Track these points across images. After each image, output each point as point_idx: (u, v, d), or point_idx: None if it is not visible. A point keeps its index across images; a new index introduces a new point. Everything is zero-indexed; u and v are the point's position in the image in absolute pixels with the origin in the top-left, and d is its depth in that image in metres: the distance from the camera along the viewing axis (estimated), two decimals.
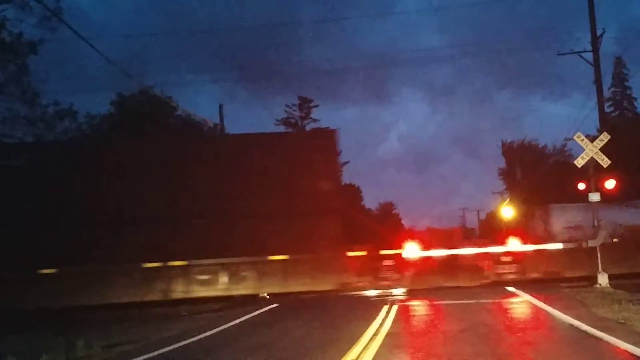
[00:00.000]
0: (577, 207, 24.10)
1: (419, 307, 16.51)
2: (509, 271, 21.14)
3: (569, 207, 24.40)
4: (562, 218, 23.05)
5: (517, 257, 21.29)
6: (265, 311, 17.18)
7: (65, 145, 25.84)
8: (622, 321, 11.17)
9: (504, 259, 21.31)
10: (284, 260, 20.73)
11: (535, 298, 15.78)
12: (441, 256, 21.59)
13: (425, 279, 21.26)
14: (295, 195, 21.29)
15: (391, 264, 21.18)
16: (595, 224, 19.52)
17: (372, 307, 15.74)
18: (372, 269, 21.19)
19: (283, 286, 20.74)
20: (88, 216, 20.81)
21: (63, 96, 38.86)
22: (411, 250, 21.31)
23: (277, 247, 20.65)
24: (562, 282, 19.78)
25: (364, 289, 20.95)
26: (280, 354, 10.01)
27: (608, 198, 20.52)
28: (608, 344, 9.14)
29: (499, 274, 21.11)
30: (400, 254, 21.20)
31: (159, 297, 20.28)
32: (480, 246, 22.48)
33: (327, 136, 24.63)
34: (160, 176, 21.22)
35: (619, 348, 8.77)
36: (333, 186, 22.53)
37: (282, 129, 57.79)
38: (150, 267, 20.54)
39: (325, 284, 20.78)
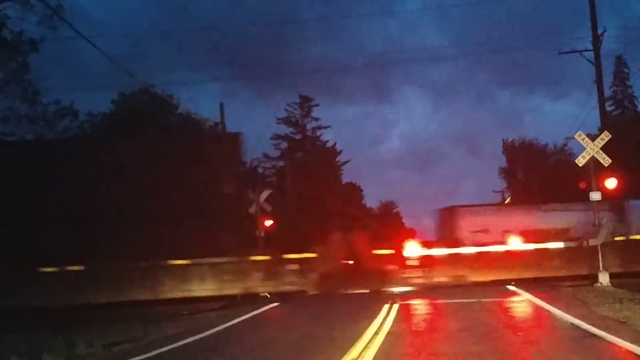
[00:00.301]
0: (484, 211, 23.97)
1: (420, 306, 16.50)
2: (415, 275, 21.08)
3: (476, 210, 24.21)
4: (468, 222, 22.77)
5: (424, 262, 21.24)
6: (265, 310, 17.18)
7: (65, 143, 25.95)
8: (624, 320, 11.15)
9: (410, 263, 21.25)
10: (185, 264, 20.81)
11: (536, 297, 15.77)
12: (347, 261, 21.55)
13: (329, 284, 21.26)
14: (198, 198, 21.46)
15: (296, 268, 21.12)
16: (597, 222, 19.49)
17: (373, 306, 15.71)
18: (276, 274, 21.07)
19: (182, 290, 20.73)
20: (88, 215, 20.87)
21: (64, 94, 38.90)
22: (412, 250, 21.39)
23: (179, 251, 20.76)
24: (556, 282, 19.75)
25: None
26: (282, 352, 10.02)
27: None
28: (609, 343, 9.11)
29: (405, 279, 21.02)
30: (306, 258, 21.24)
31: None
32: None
33: (231, 140, 24.63)
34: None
35: (621, 347, 8.75)
36: (234, 190, 22.82)
37: (283, 127, 57.91)
38: (49, 272, 20.41)
39: (230, 289, 20.76)
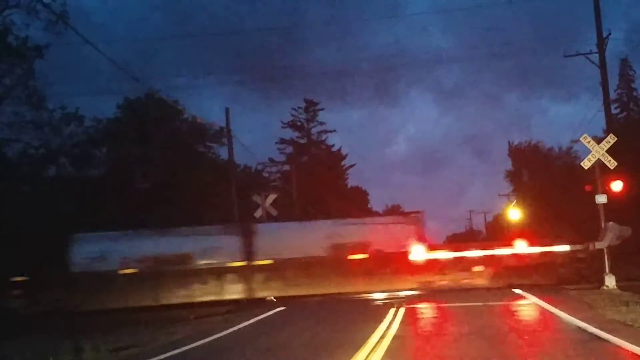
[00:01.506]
0: (99, 237, 22.81)
1: (426, 309, 16.47)
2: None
3: (91, 237, 23.02)
4: (83, 249, 21.75)
5: None
6: (272, 314, 17.17)
7: None
8: (630, 323, 11.12)
9: None
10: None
11: (542, 300, 15.72)
12: None
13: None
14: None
15: None
16: (602, 226, 19.39)
17: (379, 310, 15.72)
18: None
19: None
20: None
21: (69, 100, 39.03)
22: (418, 253, 21.31)
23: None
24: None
25: None
26: (289, 357, 10.02)
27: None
28: (616, 346, 9.09)
29: None
30: None
31: None
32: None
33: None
34: None
35: (627, 350, 8.72)
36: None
37: (288, 132, 58.01)
38: None
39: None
